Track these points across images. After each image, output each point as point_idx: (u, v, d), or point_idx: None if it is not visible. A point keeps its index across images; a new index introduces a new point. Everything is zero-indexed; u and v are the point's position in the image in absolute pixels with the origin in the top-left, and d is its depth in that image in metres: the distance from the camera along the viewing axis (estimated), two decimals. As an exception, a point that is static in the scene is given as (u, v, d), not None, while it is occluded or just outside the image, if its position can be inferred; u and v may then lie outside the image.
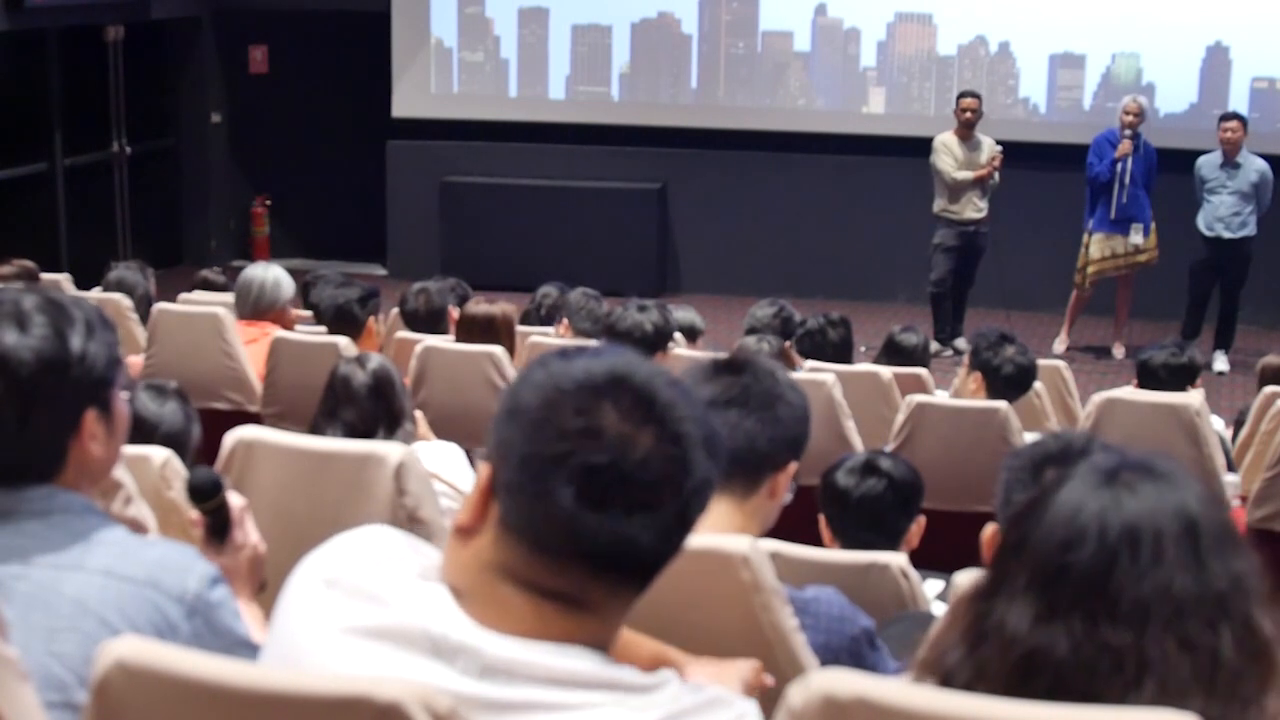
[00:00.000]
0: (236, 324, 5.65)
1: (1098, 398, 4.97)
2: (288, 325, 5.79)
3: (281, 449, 3.11)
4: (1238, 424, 6.20)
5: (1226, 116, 9.61)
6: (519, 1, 11.93)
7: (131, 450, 2.95)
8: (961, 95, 9.87)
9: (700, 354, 5.72)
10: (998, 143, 9.74)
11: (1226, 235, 9.42)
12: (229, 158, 12.91)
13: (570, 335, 5.89)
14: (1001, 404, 4.71)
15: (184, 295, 6.82)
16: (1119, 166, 9.44)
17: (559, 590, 1.45)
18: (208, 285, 7.34)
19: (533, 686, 1.43)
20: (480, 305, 5.73)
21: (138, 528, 2.45)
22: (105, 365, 1.96)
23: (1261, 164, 9.44)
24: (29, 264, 6.55)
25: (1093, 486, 1.56)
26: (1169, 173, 9.67)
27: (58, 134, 11.08)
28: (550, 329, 6.24)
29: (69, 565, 1.86)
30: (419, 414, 4.11)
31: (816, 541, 3.26)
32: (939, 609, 2.84)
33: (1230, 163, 9.43)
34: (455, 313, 6.03)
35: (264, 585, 2.19)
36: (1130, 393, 5.16)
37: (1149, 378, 5.62)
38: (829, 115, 11.58)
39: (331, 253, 12.20)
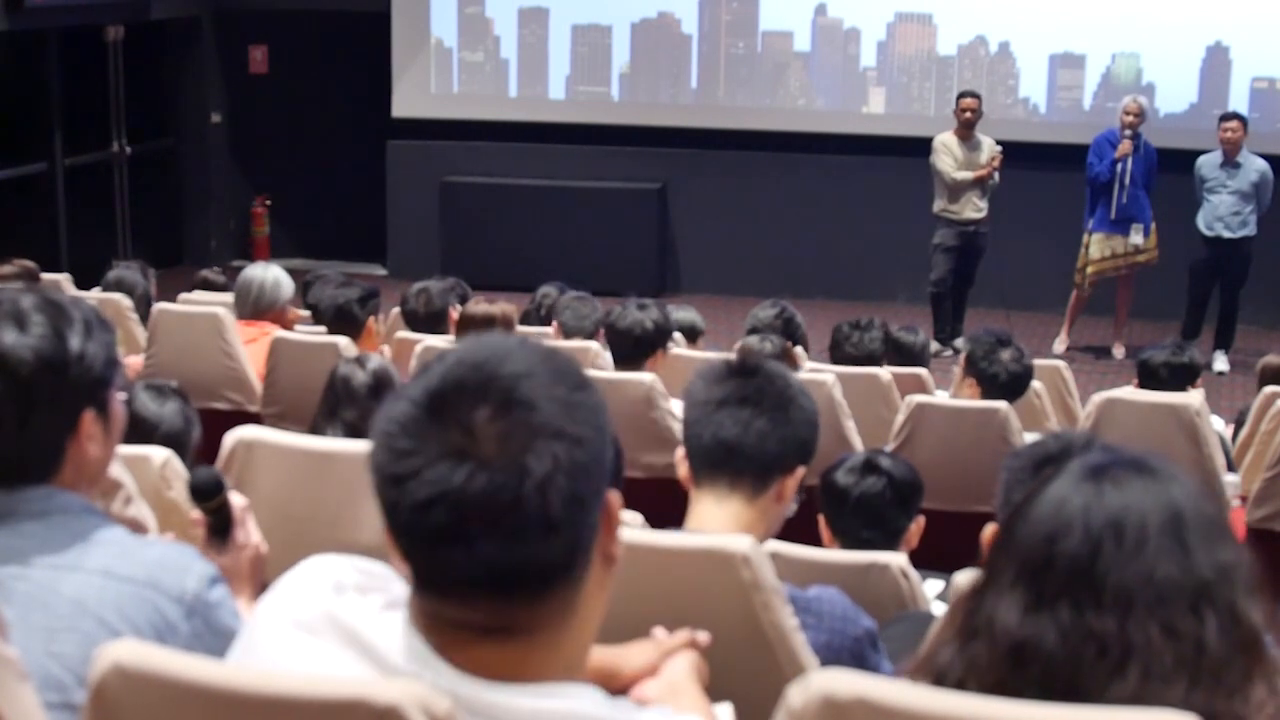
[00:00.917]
0: (236, 324, 5.65)
1: (1098, 398, 4.96)
2: (287, 325, 5.80)
3: (281, 449, 3.11)
4: (1237, 424, 6.20)
5: (1226, 116, 9.61)
6: (519, 1, 11.93)
7: (131, 450, 2.95)
8: (961, 95, 9.87)
9: (700, 354, 5.73)
10: (998, 143, 9.74)
11: (1226, 235, 9.42)
12: (229, 158, 12.91)
13: (560, 336, 5.90)
14: (1001, 404, 4.71)
15: (184, 295, 6.82)
16: (1119, 167, 9.44)
17: (483, 624, 1.40)
18: (208, 285, 7.34)
19: None
20: (480, 305, 5.73)
21: (137, 528, 2.45)
22: (103, 365, 1.96)
23: (1261, 164, 9.44)
24: (29, 264, 6.55)
25: (1079, 482, 1.58)
26: (1169, 173, 9.67)
27: (58, 134, 11.07)
28: (550, 329, 6.24)
29: (68, 565, 1.86)
30: None
31: (816, 542, 3.26)
32: (939, 609, 2.84)
33: (1230, 162, 9.43)
34: (455, 313, 6.04)
35: (265, 586, 2.19)
36: (1130, 393, 5.16)
37: (1149, 377, 5.62)
38: (829, 115, 11.58)
39: (331, 253, 12.20)
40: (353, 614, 1.49)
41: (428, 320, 6.06)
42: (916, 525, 3.40)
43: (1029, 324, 10.34)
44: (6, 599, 1.80)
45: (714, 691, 1.95)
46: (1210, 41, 10.96)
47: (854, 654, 2.39)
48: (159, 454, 3.13)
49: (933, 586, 3.16)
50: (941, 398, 5.31)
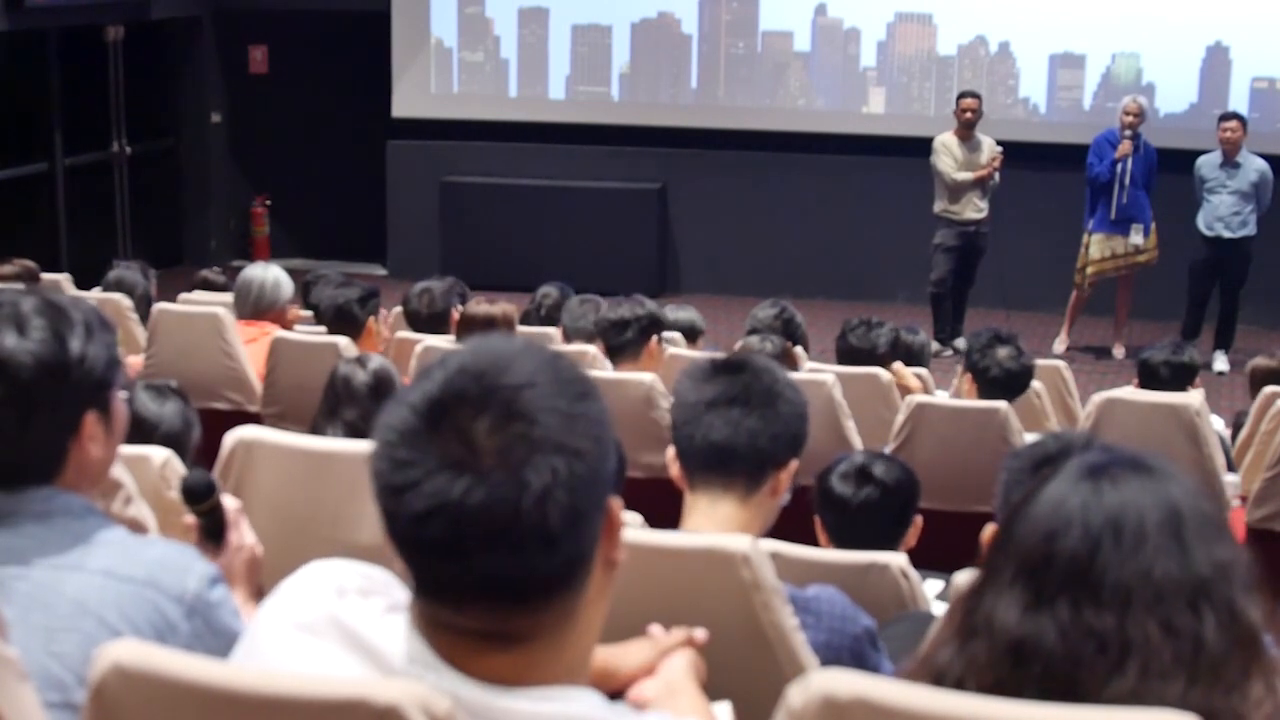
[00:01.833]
0: (236, 324, 5.65)
1: (1098, 398, 4.97)
2: (287, 325, 5.80)
3: (281, 449, 3.11)
4: (1235, 426, 6.20)
5: (1226, 116, 9.61)
6: (519, 1, 11.93)
7: (131, 450, 2.95)
8: (962, 95, 9.87)
9: (700, 354, 5.72)
10: (998, 143, 9.74)
11: (1226, 235, 9.42)
12: (229, 158, 12.91)
13: (563, 340, 5.89)
14: (1001, 404, 4.71)
15: (184, 295, 6.82)
16: (1119, 167, 9.44)
17: (482, 631, 1.40)
18: (208, 285, 7.34)
19: None
20: (481, 305, 5.73)
21: (138, 528, 2.45)
22: (104, 367, 1.96)
23: (1261, 164, 9.44)
24: (30, 264, 6.55)
25: (1077, 481, 1.59)
26: (1169, 173, 9.67)
27: (58, 134, 11.08)
28: (550, 329, 6.24)
29: (69, 566, 1.86)
30: None
31: (813, 541, 3.26)
32: (939, 609, 2.84)
33: (1230, 162, 9.43)
34: (456, 313, 6.04)
35: (261, 587, 2.19)
36: (1130, 393, 5.16)
37: (1150, 377, 5.62)
38: (829, 115, 11.58)
39: (331, 253, 12.21)
40: (355, 617, 1.49)
41: (430, 321, 6.06)
42: (914, 526, 3.40)
43: (1029, 324, 10.34)
44: (7, 599, 1.81)
45: (713, 691, 1.95)
46: (1210, 41, 10.96)
47: (853, 653, 2.39)
48: (159, 454, 3.13)
49: (932, 586, 3.16)
50: (942, 398, 5.31)
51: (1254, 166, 9.43)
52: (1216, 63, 10.99)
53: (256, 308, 5.82)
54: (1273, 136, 10.39)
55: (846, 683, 1.53)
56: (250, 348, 5.59)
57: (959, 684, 1.55)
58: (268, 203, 12.75)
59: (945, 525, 3.51)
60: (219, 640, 1.85)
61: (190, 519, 2.19)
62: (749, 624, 2.26)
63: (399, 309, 6.49)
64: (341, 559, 1.59)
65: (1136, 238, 9.61)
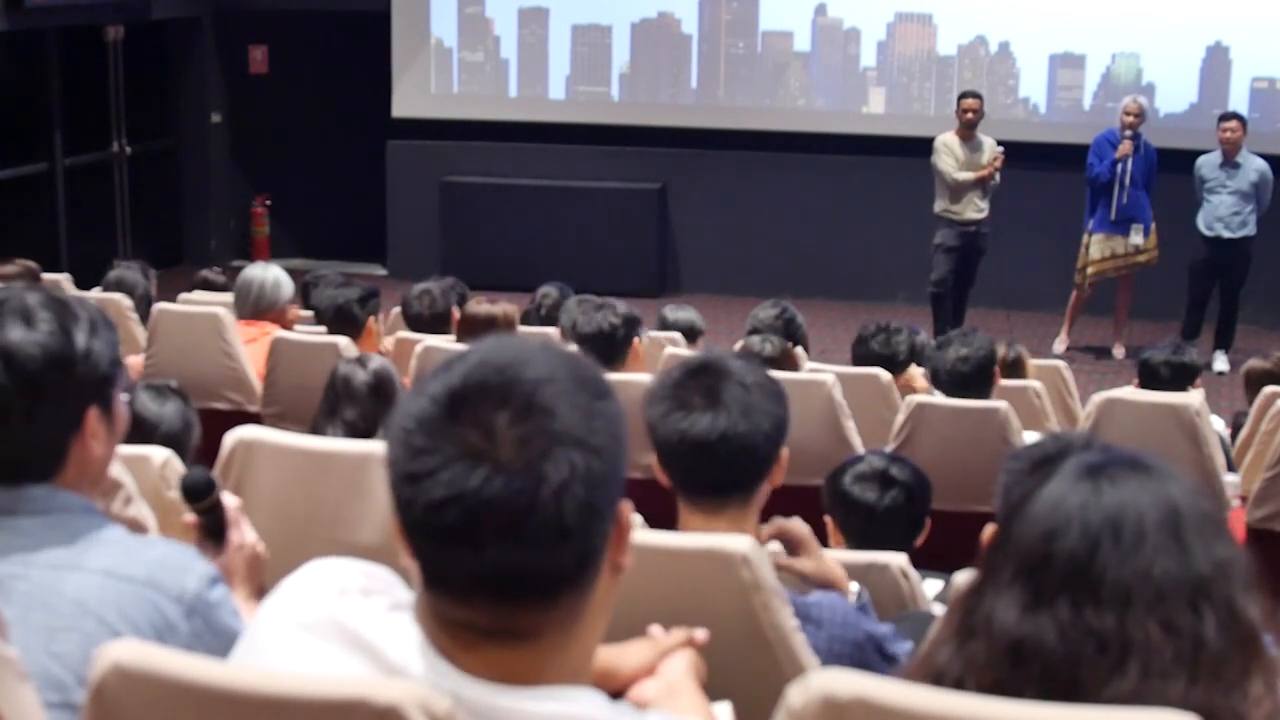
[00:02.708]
0: (236, 324, 5.65)
1: (1098, 398, 4.97)
2: (287, 325, 5.80)
3: (281, 449, 3.11)
4: (1236, 425, 6.20)
5: (1226, 116, 9.61)
6: (519, 1, 11.94)
7: (131, 450, 2.95)
8: (962, 95, 9.86)
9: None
10: (998, 143, 9.73)
11: (1226, 235, 9.42)
12: (229, 158, 12.92)
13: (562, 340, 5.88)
14: (1001, 404, 4.71)
15: (184, 295, 6.82)
16: (1119, 167, 9.44)
17: (488, 627, 1.40)
18: (208, 285, 7.34)
19: None
20: (482, 305, 5.73)
21: (138, 528, 2.45)
22: (109, 364, 1.97)
23: (1261, 164, 9.44)
24: (31, 264, 6.56)
25: (1075, 481, 1.59)
26: (1169, 173, 9.67)
27: (58, 134, 11.08)
28: (550, 329, 6.24)
29: (69, 565, 1.87)
30: None
31: (822, 540, 3.26)
32: (938, 609, 2.84)
33: (1230, 162, 9.43)
34: (456, 313, 6.04)
35: (263, 587, 2.19)
36: (1130, 393, 5.16)
37: (1150, 377, 5.62)
38: (829, 115, 11.58)
39: (331, 253, 12.21)
40: (357, 616, 1.49)
41: (431, 322, 6.05)
42: (925, 528, 3.42)
43: (1029, 324, 10.35)
44: (7, 598, 1.81)
45: (713, 691, 1.95)
46: (1210, 41, 10.96)
47: (855, 660, 2.39)
48: (159, 454, 3.13)
49: (932, 586, 3.16)
50: (941, 398, 5.31)
51: (1254, 167, 9.43)
52: (1216, 63, 10.99)
53: (256, 308, 5.82)
54: (1273, 136, 10.39)
55: (846, 683, 1.53)
56: (250, 348, 5.60)
57: (958, 684, 1.55)
58: (268, 203, 12.76)
59: (945, 525, 3.51)
60: (219, 640, 1.86)
61: (190, 518, 2.19)
62: (749, 624, 2.26)
63: (397, 310, 6.49)
64: (342, 558, 1.60)
65: (1136, 238, 9.61)
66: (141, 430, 3.34)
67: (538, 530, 1.35)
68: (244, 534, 2.20)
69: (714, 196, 11.67)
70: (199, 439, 3.65)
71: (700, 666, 1.95)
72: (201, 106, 12.65)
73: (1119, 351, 9.98)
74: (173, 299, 6.48)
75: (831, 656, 2.36)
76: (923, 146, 9.91)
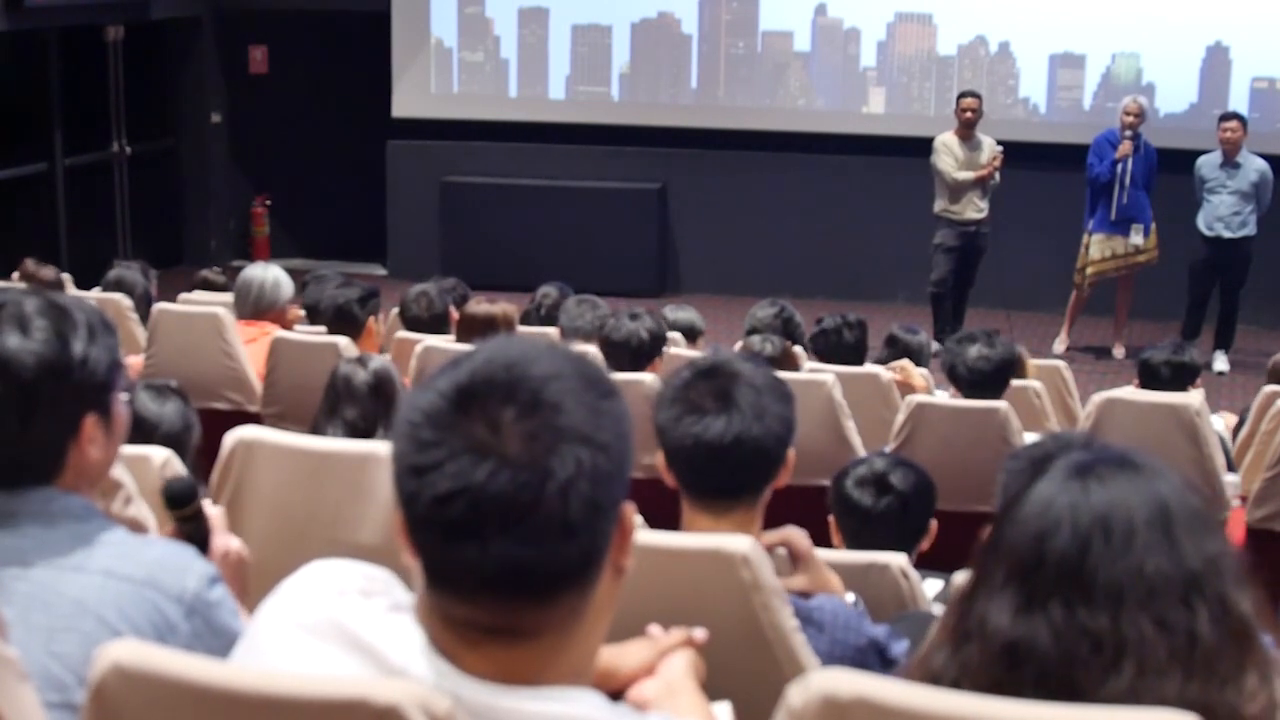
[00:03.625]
0: (236, 324, 5.65)
1: (1098, 398, 4.97)
2: (287, 325, 5.80)
3: (281, 449, 3.11)
4: (1239, 426, 6.20)
5: (1226, 116, 9.61)
6: (519, 1, 11.93)
7: (131, 450, 2.95)
8: (962, 95, 9.87)
9: (700, 354, 5.72)
10: (998, 143, 9.73)
11: (1227, 235, 9.42)
12: (229, 158, 12.91)
13: (561, 339, 5.89)
14: (1001, 404, 4.71)
15: (184, 295, 6.82)
16: (1119, 167, 9.44)
17: (490, 625, 1.40)
18: (208, 285, 7.34)
19: None
20: (481, 305, 5.73)
21: (137, 528, 2.45)
22: (106, 370, 1.96)
23: (1261, 164, 9.44)
24: (59, 272, 6.60)
25: (1064, 481, 1.59)
26: (1169, 173, 9.67)
27: (58, 134, 11.08)
28: (551, 329, 6.24)
29: (69, 566, 1.87)
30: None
31: (826, 541, 3.26)
32: (938, 609, 2.84)
33: (1230, 163, 9.43)
34: (455, 313, 6.04)
35: (247, 593, 2.18)
36: (1130, 393, 5.17)
37: (1150, 377, 5.62)
38: (829, 115, 11.58)
39: (331, 253, 12.21)
40: (357, 617, 1.49)
41: (431, 324, 6.05)
42: (930, 530, 3.42)
43: (1029, 324, 10.35)
44: (7, 599, 1.81)
45: (713, 691, 1.95)
46: (1210, 41, 10.96)
47: (857, 665, 2.38)
48: (159, 454, 3.13)
49: (932, 586, 3.16)
50: (942, 397, 5.31)
51: (1254, 167, 9.43)
52: (1216, 63, 10.99)
53: (256, 308, 5.82)
54: (1273, 136, 10.39)
55: (847, 683, 1.53)
56: (250, 348, 5.60)
57: (954, 688, 1.55)
58: (268, 203, 12.75)
59: (945, 525, 3.51)
60: (219, 640, 1.86)
61: (170, 528, 2.18)
62: (749, 624, 2.26)
63: (396, 310, 6.48)
64: (342, 559, 1.59)
65: (1136, 238, 9.61)
66: (141, 430, 3.34)
67: (542, 526, 1.35)
68: (227, 541, 2.19)
69: (714, 196, 11.67)
70: (199, 439, 3.64)
71: (700, 666, 1.95)
72: (201, 106, 12.64)
73: (1119, 351, 9.98)
74: (173, 299, 6.48)
75: (833, 660, 2.36)
76: (923, 146, 9.91)
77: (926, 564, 3.29)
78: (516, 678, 1.41)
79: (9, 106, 10.80)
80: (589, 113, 11.89)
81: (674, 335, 6.24)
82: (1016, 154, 9.83)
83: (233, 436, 3.13)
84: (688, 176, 11.72)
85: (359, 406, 3.91)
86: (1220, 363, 9.73)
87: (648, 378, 4.73)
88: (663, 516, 2.60)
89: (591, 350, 5.48)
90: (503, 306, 5.68)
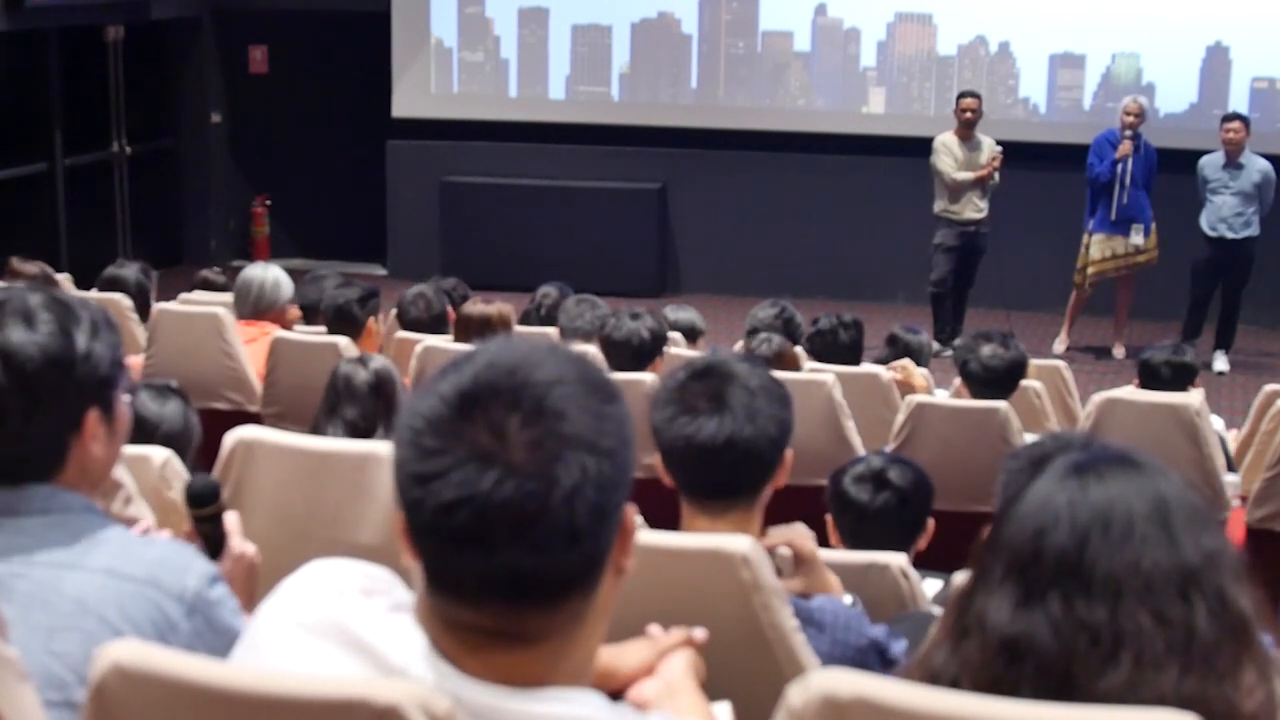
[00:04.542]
0: (236, 324, 5.65)
1: (1098, 398, 4.97)
2: (287, 325, 5.80)
3: (281, 449, 3.11)
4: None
5: (1229, 117, 9.60)
6: (519, 1, 11.93)
7: (131, 450, 2.95)
8: (961, 95, 9.87)
9: (698, 355, 5.71)
10: (998, 143, 9.73)
11: (1230, 236, 9.42)
12: (229, 158, 12.91)
13: (560, 339, 5.89)
14: (1001, 404, 4.72)
15: (184, 295, 6.82)
16: (1119, 167, 9.44)
17: (493, 629, 1.39)
18: (208, 285, 7.34)
19: None
20: (477, 305, 5.73)
21: (138, 528, 2.45)
22: (109, 365, 1.97)
23: (1264, 164, 9.44)
24: (46, 267, 6.58)
25: (1063, 479, 1.60)
26: (1169, 173, 9.67)
27: (58, 134, 11.08)
28: (550, 329, 6.24)
29: (69, 564, 1.87)
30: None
31: (822, 541, 3.25)
32: (938, 609, 2.84)
33: (1233, 163, 9.43)
34: (453, 313, 6.04)
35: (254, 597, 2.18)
36: (1130, 393, 5.16)
37: (1150, 377, 5.62)
38: (829, 115, 11.58)
39: (331, 253, 12.20)
40: (357, 617, 1.49)
41: (430, 324, 6.05)
42: (926, 530, 3.41)
43: (1029, 324, 10.35)
44: (8, 597, 1.81)
45: (713, 691, 1.95)
46: (1210, 41, 10.96)
47: (857, 666, 2.38)
48: (159, 454, 3.13)
49: (932, 586, 3.16)
50: (942, 397, 5.32)
51: (1257, 167, 9.43)
52: (1216, 63, 10.99)
53: (256, 308, 5.82)
54: (1273, 136, 10.38)
55: (847, 682, 1.53)
56: (250, 348, 5.60)
57: (953, 684, 1.55)
58: (268, 203, 12.75)
59: (945, 525, 3.51)
60: (220, 639, 1.86)
61: (188, 527, 2.18)
62: (749, 624, 2.26)
63: (395, 311, 6.48)
64: (342, 559, 1.59)
65: (1137, 238, 9.61)
66: (142, 430, 3.34)
67: (548, 534, 1.34)
68: (243, 546, 2.19)
69: (714, 196, 11.67)
70: (199, 439, 3.65)
71: (699, 666, 1.95)
72: (201, 106, 12.64)
73: (1119, 351, 9.98)
74: (173, 299, 6.48)
75: (833, 661, 2.36)
76: (923, 146, 9.91)
77: (926, 564, 3.29)
78: (518, 680, 1.41)
79: (9, 106, 10.80)
80: (589, 113, 11.89)
81: (674, 335, 6.24)
82: (1016, 154, 9.83)
83: (233, 436, 3.13)
84: (688, 176, 11.72)
85: (359, 406, 3.91)
86: (1220, 363, 9.73)
87: (648, 378, 4.73)
88: (663, 516, 2.60)
89: (592, 350, 5.49)
90: (499, 307, 5.67)
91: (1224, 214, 9.42)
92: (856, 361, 5.87)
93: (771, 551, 2.37)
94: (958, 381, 5.34)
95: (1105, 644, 1.51)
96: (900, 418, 4.83)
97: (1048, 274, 10.47)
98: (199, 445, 3.63)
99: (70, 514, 1.92)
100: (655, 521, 2.72)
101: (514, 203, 11.70)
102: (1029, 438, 4.22)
